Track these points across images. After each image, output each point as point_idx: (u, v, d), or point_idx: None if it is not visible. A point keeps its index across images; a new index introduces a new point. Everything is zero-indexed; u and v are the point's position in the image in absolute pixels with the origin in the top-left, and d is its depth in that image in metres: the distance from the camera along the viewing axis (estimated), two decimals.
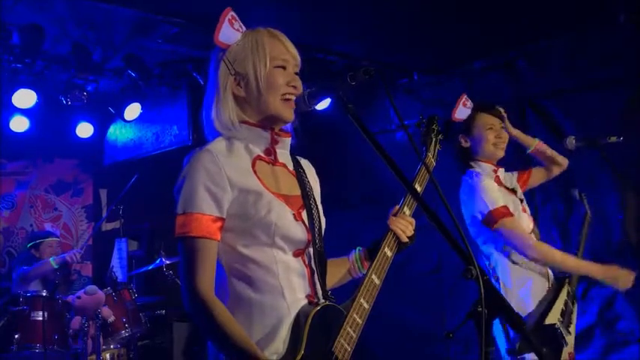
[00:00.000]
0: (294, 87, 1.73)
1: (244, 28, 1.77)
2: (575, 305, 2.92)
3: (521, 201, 2.98)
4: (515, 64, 4.80)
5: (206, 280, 1.60)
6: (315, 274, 1.74)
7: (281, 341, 1.62)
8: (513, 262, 2.85)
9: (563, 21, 4.22)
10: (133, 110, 5.22)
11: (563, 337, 2.76)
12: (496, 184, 2.91)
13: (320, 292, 1.74)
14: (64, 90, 4.91)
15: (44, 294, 4.18)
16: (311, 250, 1.75)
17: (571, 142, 3.07)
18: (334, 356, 1.62)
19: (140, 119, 5.38)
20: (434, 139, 2.19)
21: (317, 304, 1.69)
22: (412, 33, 4.47)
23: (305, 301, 1.68)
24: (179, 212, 1.64)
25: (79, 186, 6.17)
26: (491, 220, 2.81)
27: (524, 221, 2.89)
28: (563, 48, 4.51)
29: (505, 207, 2.83)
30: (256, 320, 1.63)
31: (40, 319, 4.07)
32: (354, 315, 1.69)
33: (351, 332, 1.67)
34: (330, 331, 1.66)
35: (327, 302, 1.71)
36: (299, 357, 1.58)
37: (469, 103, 2.85)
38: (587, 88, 4.43)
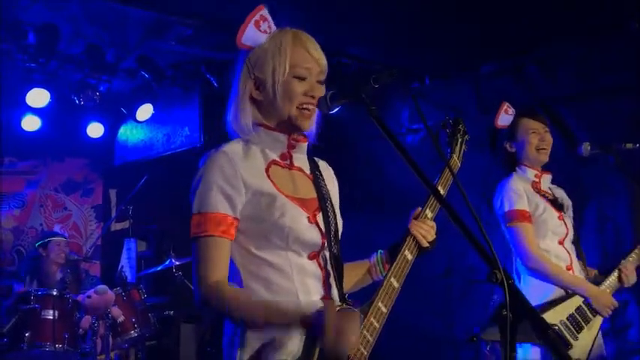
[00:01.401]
0: (313, 97, 1.70)
1: (274, 28, 1.73)
2: (598, 317, 2.88)
3: (560, 209, 2.99)
4: (525, 69, 4.80)
5: (218, 274, 1.61)
6: (331, 277, 1.73)
7: (295, 343, 1.61)
8: None
9: (574, 26, 4.21)
10: (144, 111, 5.24)
11: (567, 340, 2.74)
12: (527, 187, 2.96)
13: (336, 295, 1.73)
14: (76, 90, 4.93)
15: (54, 293, 4.18)
16: (326, 253, 1.74)
17: (586, 148, 3.07)
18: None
19: (151, 120, 5.39)
20: (460, 140, 2.17)
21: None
22: (422, 37, 4.48)
23: (320, 304, 1.65)
24: (194, 212, 1.65)
25: (89, 186, 6.18)
26: (507, 219, 2.92)
27: (555, 226, 2.94)
28: (574, 53, 4.50)
29: (523, 211, 2.88)
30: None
31: (51, 317, 4.07)
32: (372, 318, 1.69)
33: (368, 336, 1.67)
34: None
35: (344, 305, 1.69)
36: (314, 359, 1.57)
37: (511, 110, 2.96)
38: (597, 94, 4.42)
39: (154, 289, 5.38)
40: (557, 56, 4.59)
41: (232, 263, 1.67)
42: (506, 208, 2.92)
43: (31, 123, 5.27)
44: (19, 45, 4.43)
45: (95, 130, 5.56)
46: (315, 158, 1.88)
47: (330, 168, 1.92)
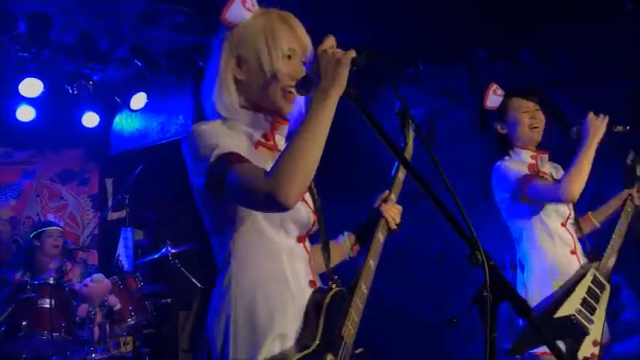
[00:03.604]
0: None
1: (256, 7, 1.68)
2: (605, 291, 2.87)
3: None
4: (520, 54, 4.78)
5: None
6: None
7: (287, 324, 1.58)
8: (540, 248, 2.89)
9: (568, 10, 4.19)
10: (138, 100, 5.24)
11: (584, 326, 2.74)
12: (524, 170, 2.92)
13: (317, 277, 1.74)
14: (70, 79, 4.93)
15: (51, 282, 4.19)
16: (314, 232, 1.74)
17: (577, 130, 3.05)
18: (344, 341, 1.66)
19: (146, 109, 5.39)
20: (409, 129, 2.21)
21: (328, 290, 1.68)
22: (417, 22, 4.45)
23: (308, 288, 1.66)
24: (209, 163, 1.54)
25: (85, 175, 6.18)
26: (521, 186, 2.83)
27: (558, 205, 2.92)
28: (569, 38, 4.48)
29: (531, 174, 2.85)
30: (260, 300, 1.58)
31: (48, 306, 4.08)
32: (357, 300, 1.75)
33: (355, 317, 1.72)
34: (339, 315, 1.69)
35: (336, 287, 1.70)
36: (316, 343, 1.57)
37: (499, 91, 2.90)
38: (592, 78, 4.41)
39: (151, 277, 5.40)
40: (552, 41, 4.58)
41: (227, 234, 1.61)
42: (514, 177, 2.84)
43: (25, 113, 5.28)
44: (10, 34, 4.42)
45: (90, 119, 5.56)
46: None
47: None
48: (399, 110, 2.20)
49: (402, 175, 2.06)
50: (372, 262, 1.84)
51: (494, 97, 2.90)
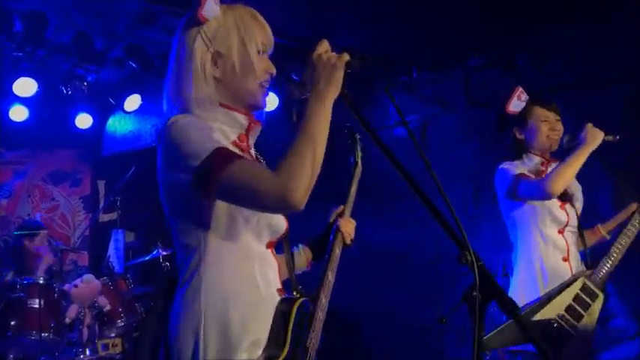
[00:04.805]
0: (271, 74, 1.68)
1: (219, 3, 1.67)
2: (597, 300, 2.85)
3: (563, 199, 2.97)
4: (515, 60, 4.80)
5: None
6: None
7: (259, 333, 1.55)
8: (532, 253, 2.91)
9: (568, 11, 4.20)
10: (133, 101, 5.24)
11: (567, 331, 2.73)
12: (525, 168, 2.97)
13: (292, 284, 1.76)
14: (64, 80, 4.93)
15: (41, 282, 4.18)
16: (284, 240, 1.73)
17: (567, 140, 3.08)
18: (309, 353, 1.73)
19: (139, 111, 5.39)
20: (357, 149, 2.37)
21: (294, 300, 1.64)
22: (417, 23, 4.47)
23: (277, 296, 1.62)
24: (202, 159, 1.46)
25: (77, 176, 6.17)
26: (514, 185, 2.88)
27: (556, 213, 2.94)
28: (564, 43, 4.50)
29: (522, 174, 2.90)
30: (233, 310, 1.53)
31: (37, 306, 4.06)
32: (319, 311, 1.85)
33: (317, 328, 1.81)
34: (304, 327, 1.67)
35: (301, 297, 1.67)
36: (284, 354, 1.54)
37: (524, 96, 2.95)
38: (588, 84, 4.43)
39: (142, 279, 5.38)
40: (547, 46, 4.60)
41: (199, 240, 1.54)
42: (510, 177, 2.89)
43: (18, 113, 5.27)
44: (7, 33, 4.42)
45: (83, 121, 5.57)
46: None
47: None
48: (348, 128, 2.28)
49: (354, 190, 2.17)
50: (330, 275, 1.93)
51: (517, 102, 2.95)
